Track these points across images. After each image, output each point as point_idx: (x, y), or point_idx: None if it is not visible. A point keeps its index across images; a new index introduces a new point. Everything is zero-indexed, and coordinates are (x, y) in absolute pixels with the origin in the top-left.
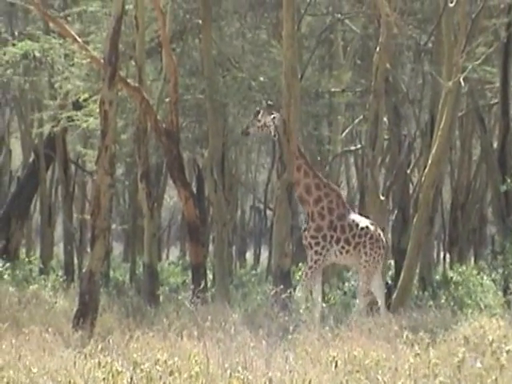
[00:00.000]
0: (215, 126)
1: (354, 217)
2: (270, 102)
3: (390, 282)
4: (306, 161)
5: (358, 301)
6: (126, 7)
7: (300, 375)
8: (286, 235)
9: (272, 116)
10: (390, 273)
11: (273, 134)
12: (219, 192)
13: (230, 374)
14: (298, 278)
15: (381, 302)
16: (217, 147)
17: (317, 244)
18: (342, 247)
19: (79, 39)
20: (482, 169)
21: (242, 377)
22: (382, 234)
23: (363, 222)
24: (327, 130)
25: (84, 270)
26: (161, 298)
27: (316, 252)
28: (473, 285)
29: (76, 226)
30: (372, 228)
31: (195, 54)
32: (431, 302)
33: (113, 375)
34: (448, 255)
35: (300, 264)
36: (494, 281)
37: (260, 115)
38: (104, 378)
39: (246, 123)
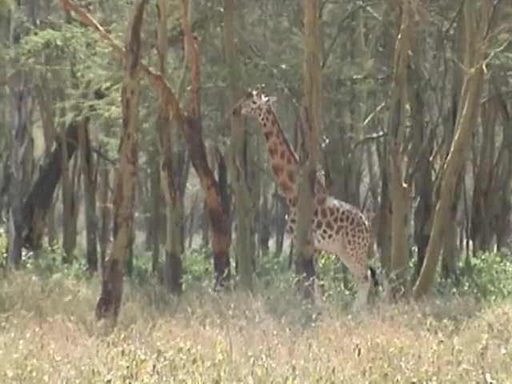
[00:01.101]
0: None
1: (335, 201)
2: (263, 85)
3: (379, 268)
4: (289, 147)
5: (359, 291)
6: None
7: (323, 363)
8: (308, 223)
9: (266, 99)
10: (413, 260)
11: (262, 117)
12: (241, 180)
13: (254, 361)
14: (321, 265)
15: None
16: (239, 135)
17: None
18: (324, 231)
19: (101, 28)
20: (504, 155)
21: (265, 365)
22: (363, 217)
23: (344, 205)
24: (349, 118)
25: (107, 259)
26: (184, 286)
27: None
28: (496, 272)
29: (98, 215)
30: (353, 211)
31: (217, 42)
32: (454, 289)
33: (136, 363)
34: (471, 242)
35: (323, 252)
36: None
37: (256, 97)
38: (127, 367)
39: (238, 102)
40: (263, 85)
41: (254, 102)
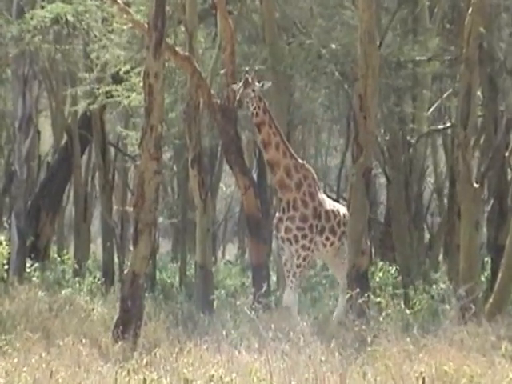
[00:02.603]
0: (279, 102)
1: (329, 200)
2: (255, 68)
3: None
4: (282, 138)
5: (340, 301)
6: None
7: None
8: (362, 230)
9: (260, 84)
10: (486, 273)
11: (254, 106)
12: None
13: None
14: (377, 279)
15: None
16: (281, 126)
17: (304, 237)
18: (327, 238)
19: (119, 0)
20: None
21: None
22: None
23: (337, 205)
24: (411, 106)
25: (126, 272)
26: (216, 303)
27: (303, 247)
28: None
29: (116, 220)
30: (347, 213)
31: (255, 18)
32: None
33: None
34: None
35: (380, 263)
36: None
37: (253, 85)
38: None
39: (239, 92)
40: (256, 68)
41: (253, 90)
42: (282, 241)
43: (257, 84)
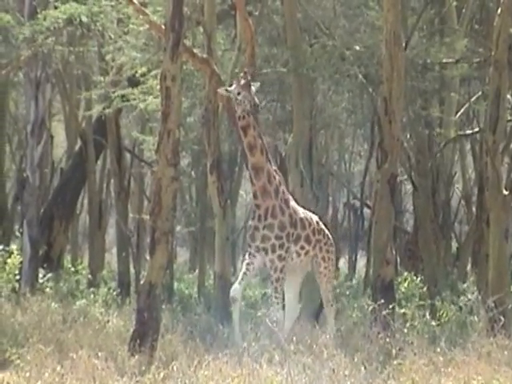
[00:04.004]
0: (301, 106)
1: (300, 208)
2: (245, 70)
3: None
4: (263, 141)
5: (327, 315)
6: None
7: None
8: (387, 238)
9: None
10: None
11: (241, 109)
12: (306, 186)
13: None
14: (403, 290)
15: (289, 320)
16: (303, 131)
17: (281, 246)
18: (302, 247)
19: (135, 0)
20: None
21: None
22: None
23: (310, 214)
24: (438, 110)
25: (142, 282)
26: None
27: (280, 257)
28: None
29: (132, 229)
30: (321, 222)
31: (276, 19)
32: None
33: None
34: None
35: (405, 273)
36: None
37: (249, 87)
38: None
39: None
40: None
41: (250, 93)
42: (256, 250)
43: (253, 88)
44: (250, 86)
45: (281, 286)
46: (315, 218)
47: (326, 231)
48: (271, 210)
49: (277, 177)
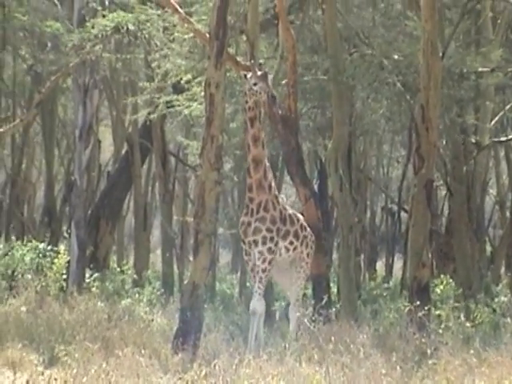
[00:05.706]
0: (340, 113)
1: (286, 205)
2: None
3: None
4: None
5: (291, 312)
6: None
7: None
8: (424, 242)
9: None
10: None
11: (251, 101)
12: (345, 190)
13: None
14: (438, 292)
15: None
16: (342, 137)
17: (271, 240)
18: (291, 242)
19: (181, 10)
20: None
21: None
22: None
23: (294, 211)
24: (473, 118)
25: (185, 282)
26: (276, 314)
27: (269, 250)
28: None
29: (176, 230)
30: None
31: (317, 28)
32: None
33: None
34: None
35: (442, 276)
36: None
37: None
38: None
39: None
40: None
41: (267, 85)
42: (248, 245)
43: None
44: (266, 77)
45: (266, 278)
46: (299, 214)
47: (309, 229)
48: (264, 203)
49: (270, 172)
